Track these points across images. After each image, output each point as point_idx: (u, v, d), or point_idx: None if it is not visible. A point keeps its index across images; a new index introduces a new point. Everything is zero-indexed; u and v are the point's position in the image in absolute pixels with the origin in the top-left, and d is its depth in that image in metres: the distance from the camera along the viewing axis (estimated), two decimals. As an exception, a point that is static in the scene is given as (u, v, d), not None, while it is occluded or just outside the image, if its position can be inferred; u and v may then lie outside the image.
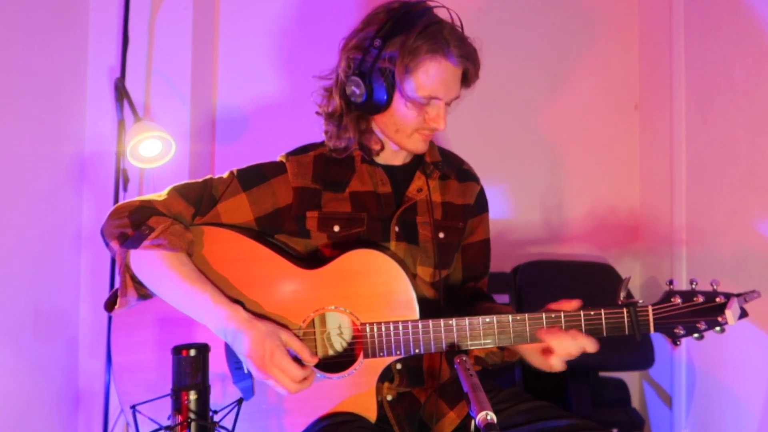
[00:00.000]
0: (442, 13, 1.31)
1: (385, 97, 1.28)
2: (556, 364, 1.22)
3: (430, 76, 1.25)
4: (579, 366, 2.08)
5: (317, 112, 1.40)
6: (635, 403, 2.38)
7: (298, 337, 1.23)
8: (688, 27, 2.09)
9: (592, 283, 2.24)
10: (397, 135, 1.34)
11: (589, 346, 1.19)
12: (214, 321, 1.19)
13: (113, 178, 2.05)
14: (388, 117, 1.32)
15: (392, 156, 1.42)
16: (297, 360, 1.19)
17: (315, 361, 1.21)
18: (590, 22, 2.48)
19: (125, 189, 2.09)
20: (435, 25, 1.25)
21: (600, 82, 2.48)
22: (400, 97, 1.28)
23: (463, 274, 1.51)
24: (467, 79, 1.34)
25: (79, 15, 2.12)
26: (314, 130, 1.44)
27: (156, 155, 1.97)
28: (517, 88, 2.46)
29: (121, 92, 2.03)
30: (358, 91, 1.29)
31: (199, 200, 1.30)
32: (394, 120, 1.32)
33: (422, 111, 1.29)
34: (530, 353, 1.30)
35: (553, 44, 2.46)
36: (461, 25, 1.32)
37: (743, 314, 1.18)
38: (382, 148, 1.39)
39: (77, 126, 2.12)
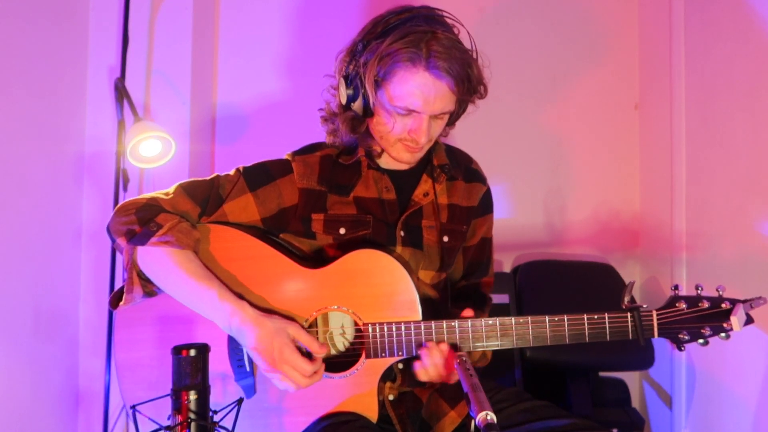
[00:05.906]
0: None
1: (365, 103, 1.26)
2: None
3: (404, 86, 1.19)
4: (579, 366, 2.11)
5: (320, 109, 1.40)
6: (635, 403, 2.38)
7: (305, 329, 1.22)
8: (688, 27, 2.09)
9: (593, 283, 2.24)
10: (382, 141, 1.32)
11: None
12: (221, 317, 1.19)
13: (113, 178, 2.05)
14: (375, 122, 1.30)
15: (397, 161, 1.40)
16: (305, 354, 1.19)
17: (324, 351, 1.20)
18: (590, 22, 2.48)
19: (125, 189, 2.08)
20: (419, 33, 1.17)
21: (600, 82, 2.48)
22: (381, 105, 1.25)
23: (464, 272, 1.51)
24: (463, 93, 1.23)
25: (79, 15, 2.11)
26: (315, 130, 1.43)
27: (156, 155, 1.97)
28: (518, 88, 2.45)
29: (121, 92, 2.02)
30: (345, 94, 1.28)
31: (206, 200, 1.30)
32: (379, 127, 1.30)
33: (404, 121, 1.25)
34: None
35: (554, 44, 2.46)
36: (474, 44, 1.25)
37: (749, 320, 1.17)
38: (382, 150, 1.36)
39: (77, 126, 2.12)
